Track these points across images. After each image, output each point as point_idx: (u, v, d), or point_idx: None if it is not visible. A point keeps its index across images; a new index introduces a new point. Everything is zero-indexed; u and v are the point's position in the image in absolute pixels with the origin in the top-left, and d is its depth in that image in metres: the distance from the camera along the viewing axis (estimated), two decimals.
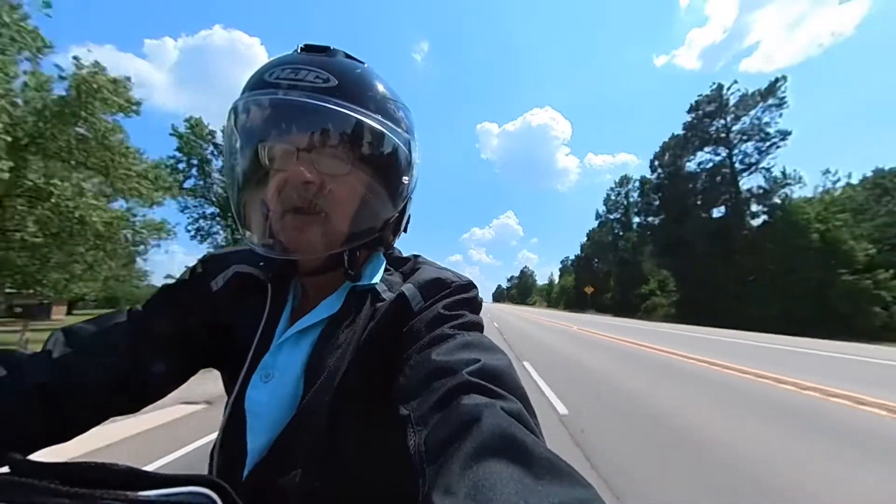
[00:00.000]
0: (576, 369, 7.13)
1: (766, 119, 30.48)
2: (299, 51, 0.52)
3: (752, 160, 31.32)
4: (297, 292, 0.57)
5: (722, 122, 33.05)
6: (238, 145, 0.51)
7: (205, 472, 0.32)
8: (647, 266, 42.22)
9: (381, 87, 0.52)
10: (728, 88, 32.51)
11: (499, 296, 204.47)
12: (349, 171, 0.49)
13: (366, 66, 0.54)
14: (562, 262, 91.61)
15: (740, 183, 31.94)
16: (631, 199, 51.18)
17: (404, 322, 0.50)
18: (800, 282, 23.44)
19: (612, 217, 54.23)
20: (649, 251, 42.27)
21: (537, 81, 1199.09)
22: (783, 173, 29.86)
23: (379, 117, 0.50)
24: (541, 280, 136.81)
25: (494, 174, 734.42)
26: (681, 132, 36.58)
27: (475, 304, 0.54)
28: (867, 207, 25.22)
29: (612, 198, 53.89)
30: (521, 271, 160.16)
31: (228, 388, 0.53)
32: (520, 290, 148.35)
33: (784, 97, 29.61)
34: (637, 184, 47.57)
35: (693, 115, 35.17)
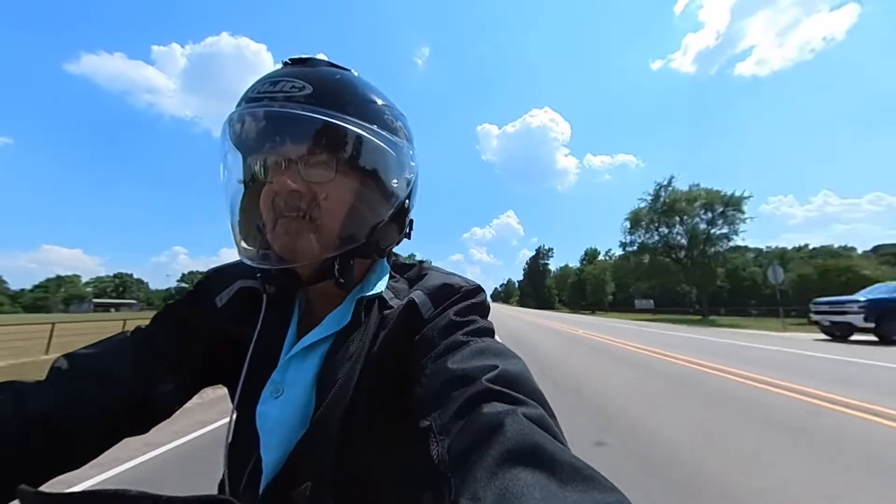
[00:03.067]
0: (497, 315, 33.02)
1: (546, 257, 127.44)
2: (283, 65, 0.52)
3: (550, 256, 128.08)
4: (303, 304, 0.57)
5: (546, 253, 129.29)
6: (228, 163, 0.52)
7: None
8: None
9: (363, 91, 0.52)
10: (543, 246, 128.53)
11: (496, 297, 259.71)
12: (334, 177, 0.48)
13: (349, 72, 0.53)
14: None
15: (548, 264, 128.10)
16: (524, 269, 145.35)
17: (416, 330, 0.50)
18: (556, 295, 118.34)
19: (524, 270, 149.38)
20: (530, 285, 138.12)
21: (537, 84, 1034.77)
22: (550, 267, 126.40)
23: (358, 121, 0.49)
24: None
25: (495, 175, 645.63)
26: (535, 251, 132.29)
27: (485, 309, 0.54)
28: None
29: (528, 263, 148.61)
30: (507, 280, 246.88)
31: (235, 404, 0.52)
32: (506, 293, 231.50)
33: (547, 261, 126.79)
34: (525, 266, 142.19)
35: (535, 252, 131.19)
